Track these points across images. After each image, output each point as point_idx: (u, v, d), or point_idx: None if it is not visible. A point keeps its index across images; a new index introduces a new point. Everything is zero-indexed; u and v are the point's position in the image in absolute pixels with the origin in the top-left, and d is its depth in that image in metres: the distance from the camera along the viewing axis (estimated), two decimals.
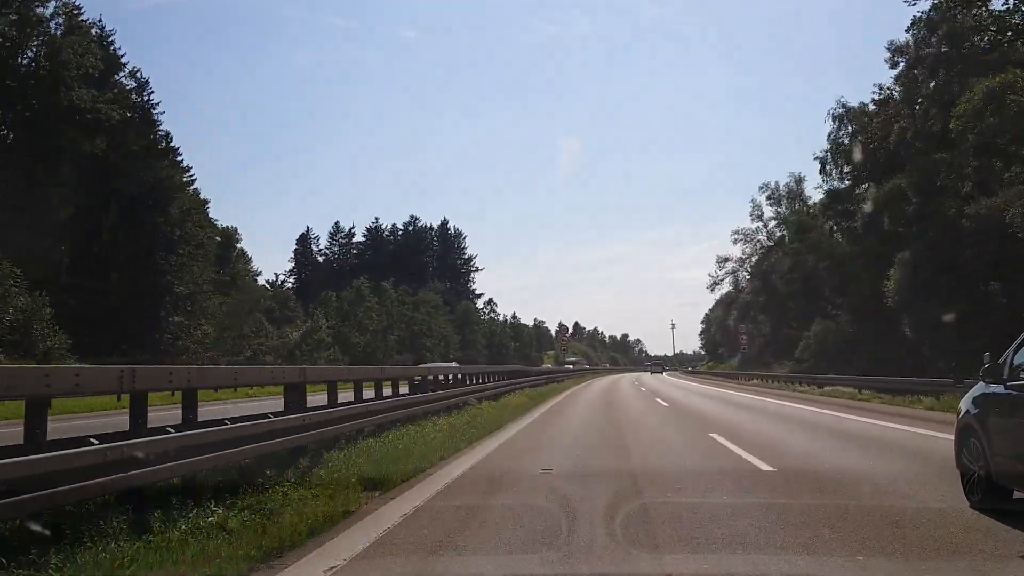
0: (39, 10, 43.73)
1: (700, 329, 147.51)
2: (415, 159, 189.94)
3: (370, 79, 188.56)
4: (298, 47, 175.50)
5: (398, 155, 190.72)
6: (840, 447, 11.82)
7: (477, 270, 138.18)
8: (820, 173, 44.04)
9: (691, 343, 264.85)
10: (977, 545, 5.38)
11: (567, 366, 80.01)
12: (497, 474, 9.15)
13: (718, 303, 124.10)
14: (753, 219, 65.26)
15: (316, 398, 10.23)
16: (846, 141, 42.05)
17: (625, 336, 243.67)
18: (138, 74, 52.51)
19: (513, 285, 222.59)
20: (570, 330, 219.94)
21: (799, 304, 50.49)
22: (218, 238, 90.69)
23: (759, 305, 63.37)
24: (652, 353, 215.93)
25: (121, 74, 51.26)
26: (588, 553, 5.22)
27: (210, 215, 61.81)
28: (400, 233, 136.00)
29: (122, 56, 51.36)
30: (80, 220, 45.68)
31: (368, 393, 12.95)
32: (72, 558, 4.57)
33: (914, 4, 32.57)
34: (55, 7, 44.25)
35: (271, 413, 8.40)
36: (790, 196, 61.61)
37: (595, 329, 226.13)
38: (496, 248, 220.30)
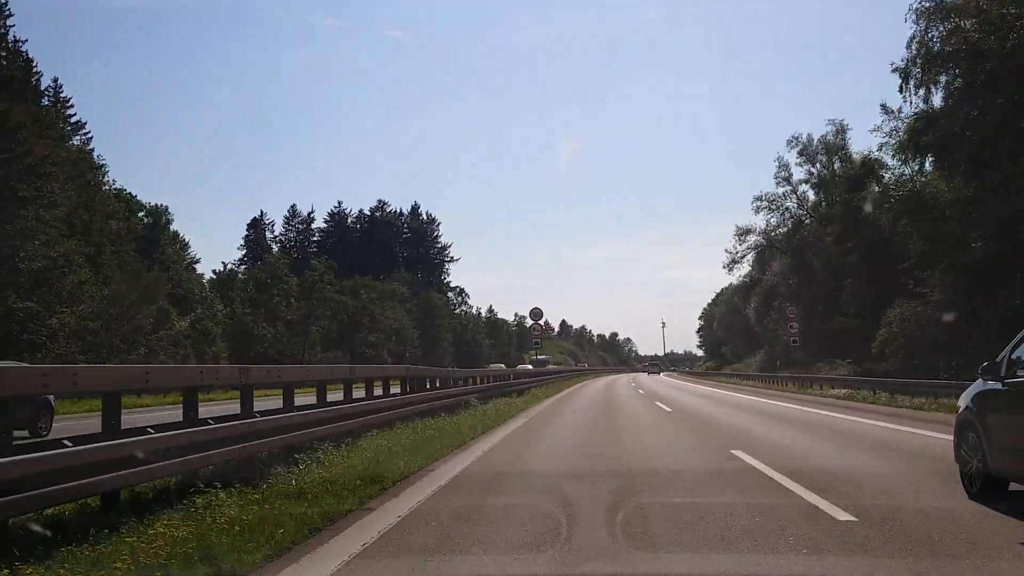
0: None
1: (698, 326, 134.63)
2: (404, 159, 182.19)
3: (357, 78, 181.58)
4: (282, 45, 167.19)
5: (387, 155, 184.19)
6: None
7: (452, 260, 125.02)
8: (900, 92, 31.02)
9: (681, 343, 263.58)
10: None
11: (549, 366, 65.93)
12: None
13: (723, 293, 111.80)
14: (779, 182, 52.21)
15: None
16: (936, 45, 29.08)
17: (614, 335, 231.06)
18: None
19: (501, 285, 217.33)
20: (556, 329, 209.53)
21: (861, 284, 37.26)
22: (146, 218, 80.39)
23: (790, 290, 50.11)
24: (642, 353, 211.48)
25: None
26: None
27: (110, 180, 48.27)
28: (366, 219, 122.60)
29: None
30: None
31: None
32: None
33: None
34: None
35: None
36: (828, 150, 48.68)
37: (583, 327, 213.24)
38: (485, 247, 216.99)
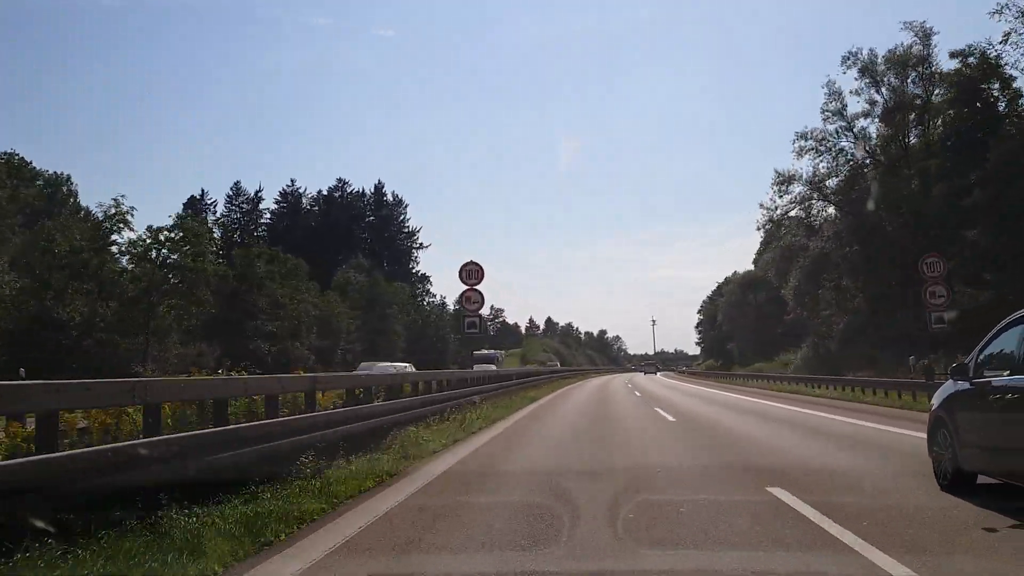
0: None
1: (697, 321, 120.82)
2: (404, 159, 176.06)
3: (357, 78, 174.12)
4: (282, 45, 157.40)
5: (387, 155, 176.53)
6: None
7: (421, 247, 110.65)
8: None
9: (673, 342, 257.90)
10: None
11: (487, 362, 50.24)
12: None
13: (727, 284, 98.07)
14: (828, 117, 37.99)
15: None
16: None
17: (603, 333, 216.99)
18: None
19: (496, 285, 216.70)
20: (542, 326, 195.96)
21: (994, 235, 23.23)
22: (45, 188, 69.44)
23: (845, 260, 35.65)
24: (632, 352, 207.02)
25: None
26: None
27: None
28: (323, 200, 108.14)
29: None
30: None
31: None
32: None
33: None
34: None
35: None
36: (902, 64, 34.70)
37: (569, 325, 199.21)
38: (485, 246, 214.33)
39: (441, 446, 11.42)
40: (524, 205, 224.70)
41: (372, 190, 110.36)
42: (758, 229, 39.89)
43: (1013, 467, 6.37)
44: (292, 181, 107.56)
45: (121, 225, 30.40)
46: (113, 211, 30.56)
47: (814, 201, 37.97)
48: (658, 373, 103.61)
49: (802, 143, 37.56)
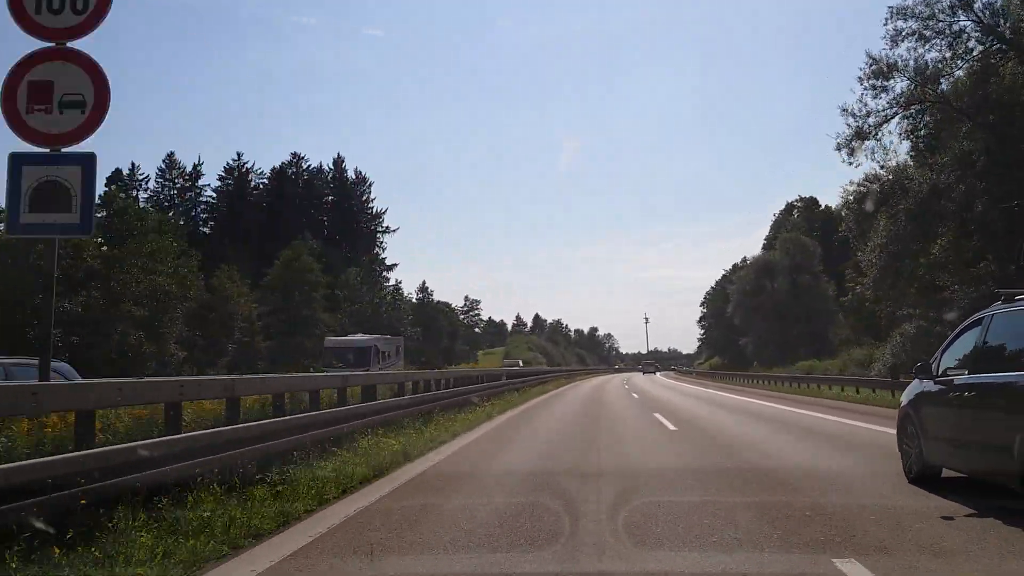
0: None
1: (700, 315, 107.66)
2: (405, 159, 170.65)
3: (357, 77, 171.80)
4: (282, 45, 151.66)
5: (388, 155, 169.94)
6: None
7: (386, 231, 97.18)
8: None
9: (666, 341, 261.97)
10: None
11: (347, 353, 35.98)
12: None
13: (740, 270, 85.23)
14: None
15: None
16: None
17: (594, 330, 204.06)
18: None
19: (483, 285, 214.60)
20: (529, 324, 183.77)
21: None
22: None
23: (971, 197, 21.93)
24: (624, 351, 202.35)
25: None
26: None
27: None
28: (274, 176, 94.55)
29: None
30: None
31: None
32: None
33: None
34: None
35: None
36: None
37: (558, 322, 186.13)
38: (486, 245, 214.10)
39: None
40: (523, 205, 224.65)
41: (331, 166, 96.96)
42: (838, 148, 25.71)
43: (971, 461, 7.02)
44: (238, 155, 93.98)
45: None
46: None
47: (926, 107, 24.29)
48: (657, 373, 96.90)
49: (899, 23, 24.26)
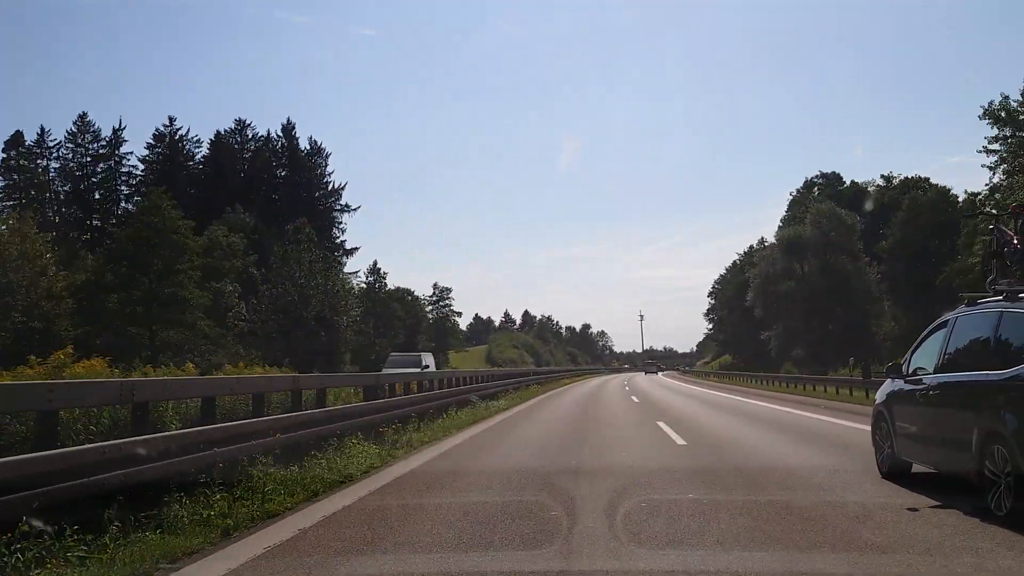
0: None
1: (707, 307, 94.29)
2: (404, 159, 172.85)
3: (356, 78, 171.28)
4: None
5: (387, 155, 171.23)
6: None
7: (347, 209, 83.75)
8: None
9: (661, 340, 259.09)
10: None
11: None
12: None
13: (759, 252, 71.97)
14: None
15: None
16: None
17: (586, 327, 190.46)
18: None
19: (477, 285, 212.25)
20: (518, 321, 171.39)
21: None
22: None
23: None
24: (618, 349, 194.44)
25: None
26: None
27: None
28: (213, 145, 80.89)
29: None
30: None
31: None
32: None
33: None
34: None
35: None
36: None
37: (548, 318, 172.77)
38: (486, 245, 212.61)
39: None
40: (519, 204, 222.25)
41: (279, 133, 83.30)
42: None
43: (936, 457, 7.37)
44: (171, 120, 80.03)
45: None
46: None
47: None
48: (659, 373, 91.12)
49: None
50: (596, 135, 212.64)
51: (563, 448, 11.97)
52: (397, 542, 5.76)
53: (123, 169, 76.36)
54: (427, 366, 31.77)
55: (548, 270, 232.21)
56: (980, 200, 45.71)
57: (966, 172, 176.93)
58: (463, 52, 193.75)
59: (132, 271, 32.70)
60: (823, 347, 56.31)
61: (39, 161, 73.66)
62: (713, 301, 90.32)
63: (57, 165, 74.15)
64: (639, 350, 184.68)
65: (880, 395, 8.82)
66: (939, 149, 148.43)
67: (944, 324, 7.64)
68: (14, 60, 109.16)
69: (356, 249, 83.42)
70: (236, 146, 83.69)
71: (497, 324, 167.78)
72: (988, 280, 7.82)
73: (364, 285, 60.27)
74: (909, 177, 79.99)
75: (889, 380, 8.60)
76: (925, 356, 7.88)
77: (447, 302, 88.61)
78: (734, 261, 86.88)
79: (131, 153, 76.76)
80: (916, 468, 7.92)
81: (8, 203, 68.78)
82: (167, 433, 7.39)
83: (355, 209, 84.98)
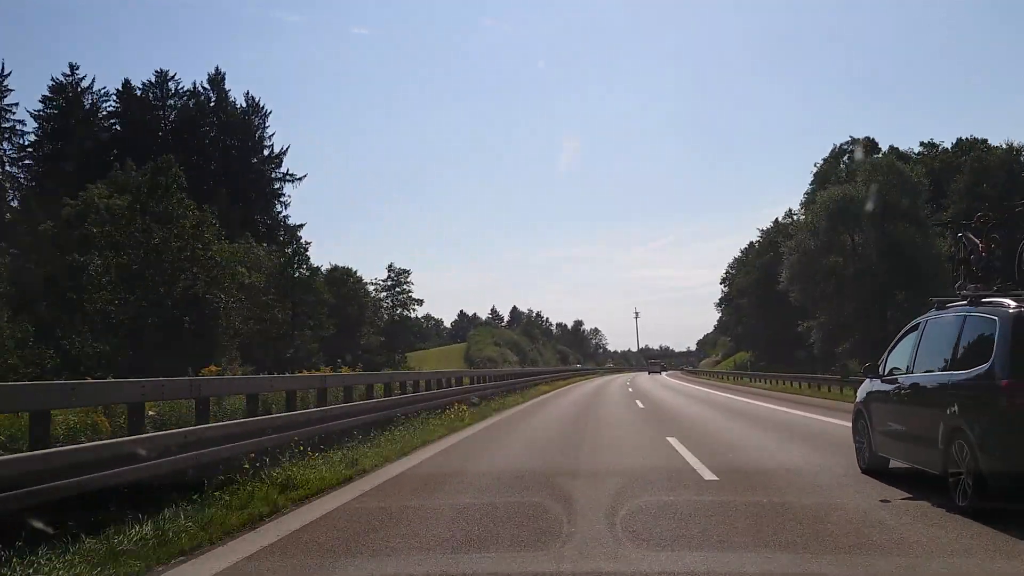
0: None
1: (720, 295, 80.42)
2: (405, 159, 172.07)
3: (354, 78, 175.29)
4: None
5: (387, 155, 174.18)
6: None
7: (291, 179, 69.86)
8: None
9: (657, 339, 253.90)
10: None
11: None
12: None
13: (790, 226, 57.91)
14: None
15: None
16: None
17: (579, 324, 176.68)
18: None
19: (477, 285, 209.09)
20: (507, 318, 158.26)
21: None
22: None
23: None
24: (612, 348, 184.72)
25: None
26: None
27: None
28: (122, 99, 66.67)
29: None
30: None
31: None
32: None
33: None
34: None
35: None
36: None
37: (537, 314, 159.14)
38: (488, 245, 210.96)
39: None
40: (516, 204, 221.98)
41: (206, 85, 69.10)
42: None
43: (908, 452, 7.74)
44: (72, 68, 65.58)
45: None
46: None
47: None
48: (663, 372, 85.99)
49: None
50: (594, 135, 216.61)
51: None
52: None
53: (4, 124, 61.75)
54: None
55: (544, 270, 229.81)
56: None
57: None
58: (462, 52, 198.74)
59: None
60: (882, 341, 42.49)
61: None
62: (725, 288, 76.47)
63: None
64: (634, 349, 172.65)
65: (860, 394, 9.20)
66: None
67: (916, 327, 8.12)
68: None
69: (301, 226, 69.73)
70: (156, 103, 69.68)
71: (483, 321, 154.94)
72: (956, 285, 8.63)
73: (281, 261, 45.81)
74: (964, 138, 66.96)
75: (868, 380, 8.95)
76: (899, 357, 8.26)
77: (405, 287, 74.31)
78: (750, 243, 73.30)
79: (15, 105, 62.14)
80: (893, 464, 8.20)
81: None
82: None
83: (300, 179, 71.12)
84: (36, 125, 63.76)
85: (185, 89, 69.74)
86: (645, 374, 78.33)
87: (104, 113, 67.46)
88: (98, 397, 7.24)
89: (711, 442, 12.19)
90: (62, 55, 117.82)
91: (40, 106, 63.69)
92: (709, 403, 25.25)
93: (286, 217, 69.78)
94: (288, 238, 63.91)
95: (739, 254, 74.93)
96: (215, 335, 31.04)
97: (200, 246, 32.36)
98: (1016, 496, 5.88)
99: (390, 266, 73.41)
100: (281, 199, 70.83)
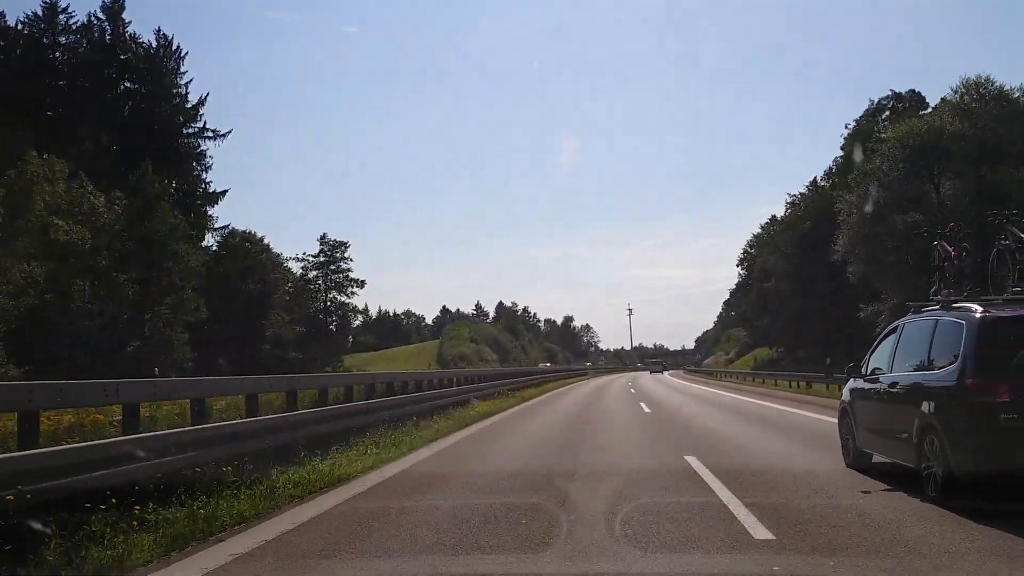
0: None
1: (736, 281, 67.41)
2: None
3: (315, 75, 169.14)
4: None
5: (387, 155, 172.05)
6: None
7: (207, 133, 56.40)
8: None
9: (651, 337, 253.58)
10: None
11: None
12: None
13: (820, 199, 44.87)
14: None
15: None
16: None
17: (569, 320, 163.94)
18: None
19: (461, 284, 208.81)
20: (492, 313, 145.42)
21: None
22: None
23: None
24: (604, 347, 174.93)
25: None
26: None
27: None
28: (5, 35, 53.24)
29: None
30: None
31: None
32: None
33: None
34: None
35: None
36: None
37: (524, 309, 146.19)
38: (449, 245, 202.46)
39: None
40: (512, 204, 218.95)
41: (100, 15, 55.46)
42: None
43: (887, 448, 8.12)
44: None
45: None
46: None
47: None
48: (665, 372, 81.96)
49: None
50: (588, 136, 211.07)
51: None
52: None
53: None
54: None
55: (536, 269, 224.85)
56: None
57: None
58: (461, 52, 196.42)
59: None
60: None
61: None
62: (742, 272, 63.35)
63: None
64: (628, 347, 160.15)
65: (845, 393, 9.60)
66: None
67: (895, 329, 8.60)
68: None
69: (223, 193, 56.47)
70: (46, 41, 56.12)
71: (466, 317, 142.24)
72: (932, 290, 9.12)
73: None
74: None
75: (852, 379, 9.28)
76: (880, 357, 8.64)
77: (340, 264, 60.64)
78: (772, 216, 60.35)
79: None
80: (876, 459, 8.53)
81: None
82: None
83: (223, 135, 57.60)
84: None
85: (76, 24, 56.14)
86: (646, 374, 69.08)
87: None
88: None
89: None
90: None
91: None
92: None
93: (207, 183, 56.53)
94: (204, 206, 50.81)
95: (759, 230, 61.87)
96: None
97: None
98: (981, 488, 6.23)
99: (322, 237, 59.78)
100: (202, 160, 57.51)
